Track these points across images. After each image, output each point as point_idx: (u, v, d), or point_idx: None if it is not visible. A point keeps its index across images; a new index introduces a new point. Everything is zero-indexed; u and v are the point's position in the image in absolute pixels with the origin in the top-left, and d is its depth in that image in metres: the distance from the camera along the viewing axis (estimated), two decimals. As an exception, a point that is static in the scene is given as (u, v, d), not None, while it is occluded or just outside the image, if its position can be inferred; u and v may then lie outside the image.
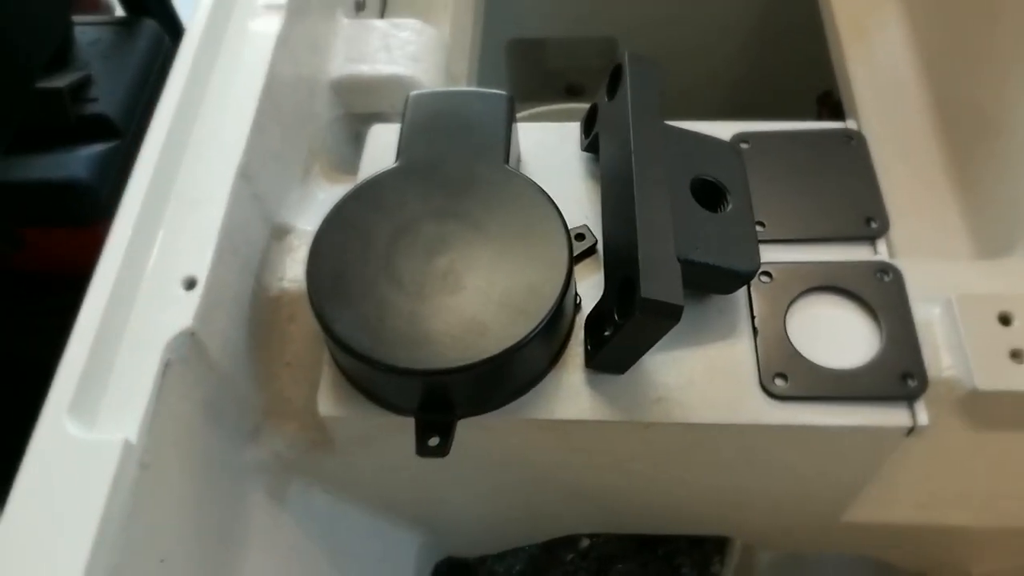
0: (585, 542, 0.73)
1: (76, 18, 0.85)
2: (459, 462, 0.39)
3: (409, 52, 0.55)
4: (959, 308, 0.49)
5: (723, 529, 0.51)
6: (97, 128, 0.77)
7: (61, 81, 0.77)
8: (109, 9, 1.03)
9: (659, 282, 0.35)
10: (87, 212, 0.74)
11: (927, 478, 0.49)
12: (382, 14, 0.76)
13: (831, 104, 0.99)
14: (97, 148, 0.77)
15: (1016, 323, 0.48)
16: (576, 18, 1.12)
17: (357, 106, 0.56)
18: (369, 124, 0.51)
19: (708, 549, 0.71)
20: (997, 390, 0.46)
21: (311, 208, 0.49)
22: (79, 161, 0.75)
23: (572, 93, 1.22)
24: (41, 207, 0.76)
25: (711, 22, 1.08)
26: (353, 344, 0.36)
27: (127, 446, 0.31)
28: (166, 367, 0.35)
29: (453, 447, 0.38)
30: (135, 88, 0.81)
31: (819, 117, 1.01)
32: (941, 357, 0.48)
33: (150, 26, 0.87)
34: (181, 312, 0.36)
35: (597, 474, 0.45)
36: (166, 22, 0.92)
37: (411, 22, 0.56)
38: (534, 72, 1.19)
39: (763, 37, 1.09)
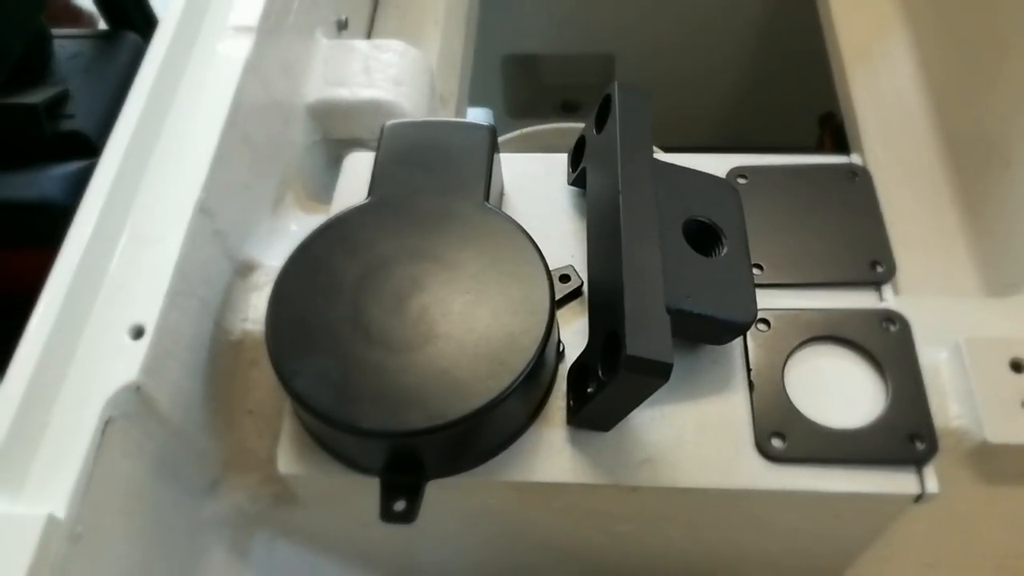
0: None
1: (55, 31, 0.82)
2: (431, 522, 0.36)
3: (391, 75, 0.52)
4: (968, 353, 0.46)
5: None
6: (73, 145, 0.74)
7: (37, 97, 0.74)
8: (93, 23, 1.01)
9: (647, 338, 0.32)
10: (60, 234, 0.71)
11: (935, 536, 0.46)
12: (369, 33, 0.73)
13: (833, 126, 0.96)
14: (72, 166, 0.73)
15: (1029, 371, 0.46)
16: (573, 34, 1.10)
17: (336, 132, 0.53)
18: (350, 150, 0.48)
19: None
20: (1009, 443, 0.43)
21: (281, 241, 0.46)
22: (52, 180, 0.72)
23: (568, 110, 1.19)
24: (11, 227, 0.73)
25: (712, 39, 1.05)
26: (313, 402, 0.34)
27: (51, 522, 0.28)
28: (107, 425, 0.32)
29: (424, 508, 0.35)
30: (114, 104, 0.78)
31: (820, 139, 0.98)
32: (949, 406, 0.45)
33: (132, 40, 0.84)
34: (126, 364, 0.33)
35: (583, 534, 0.42)
36: (150, 36, 0.89)
37: (394, 43, 0.54)
38: (529, 89, 1.17)
39: (765, 55, 1.07)
